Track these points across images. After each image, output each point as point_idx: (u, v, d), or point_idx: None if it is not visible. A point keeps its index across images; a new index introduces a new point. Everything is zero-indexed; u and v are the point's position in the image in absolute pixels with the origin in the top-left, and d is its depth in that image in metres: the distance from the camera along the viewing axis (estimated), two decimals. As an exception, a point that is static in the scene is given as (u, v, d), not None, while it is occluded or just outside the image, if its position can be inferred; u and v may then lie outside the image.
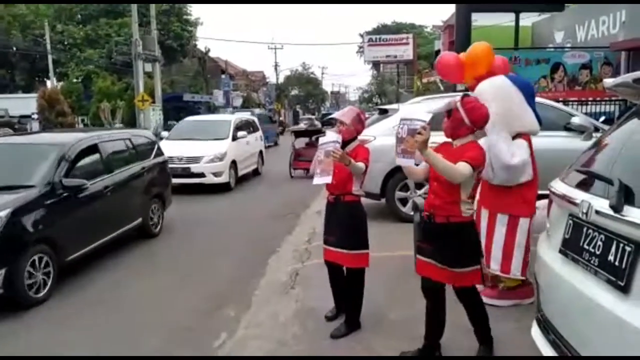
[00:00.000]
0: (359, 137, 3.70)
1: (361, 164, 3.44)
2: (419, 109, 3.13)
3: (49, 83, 29.50)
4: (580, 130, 6.65)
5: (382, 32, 42.88)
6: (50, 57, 28.61)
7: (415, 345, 3.48)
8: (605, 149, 2.34)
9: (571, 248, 2.13)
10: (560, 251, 2.21)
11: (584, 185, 2.18)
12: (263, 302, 4.49)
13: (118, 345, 3.80)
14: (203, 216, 8.44)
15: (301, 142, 13.72)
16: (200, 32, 51.40)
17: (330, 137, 3.38)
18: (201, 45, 39.70)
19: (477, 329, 3.18)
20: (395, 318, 3.94)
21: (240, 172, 11.67)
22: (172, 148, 10.29)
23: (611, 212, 1.80)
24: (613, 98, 13.00)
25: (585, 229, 2.05)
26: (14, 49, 32.08)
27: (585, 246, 2.01)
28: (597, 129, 6.82)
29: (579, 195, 2.10)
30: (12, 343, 3.89)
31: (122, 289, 5.01)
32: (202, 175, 10.37)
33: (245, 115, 15.18)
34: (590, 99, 12.76)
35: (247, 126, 13.14)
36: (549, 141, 6.70)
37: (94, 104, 24.94)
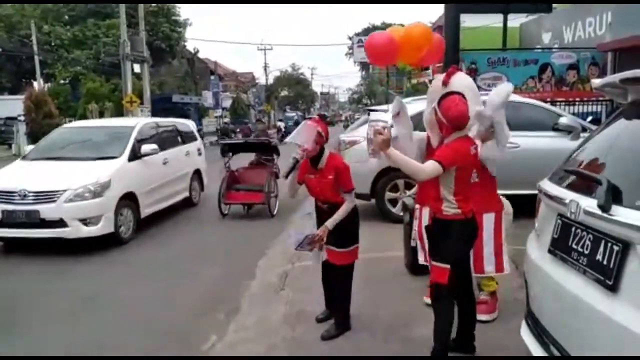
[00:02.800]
0: (326, 146, 3.61)
1: (349, 203, 3.54)
2: (385, 113, 3.16)
3: (35, 84, 29.17)
4: (567, 131, 6.71)
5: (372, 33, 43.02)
6: (37, 59, 28.36)
7: (407, 345, 3.49)
8: (593, 149, 2.34)
9: (560, 248, 2.13)
10: (549, 251, 2.21)
11: (572, 185, 2.19)
12: (253, 304, 4.45)
13: (104, 347, 3.75)
14: (185, 220, 8.39)
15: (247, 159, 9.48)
16: (189, 33, 50.99)
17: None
18: (190, 46, 39.51)
19: (465, 330, 3.22)
20: (385, 319, 3.93)
21: (148, 210, 7.38)
22: (17, 175, 6.68)
23: (599, 212, 1.80)
24: (600, 98, 13.12)
25: (574, 229, 2.05)
26: (0, 50, 31.75)
27: (574, 246, 2.02)
28: (584, 129, 6.87)
29: (567, 195, 2.10)
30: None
31: (106, 294, 4.96)
32: (60, 223, 6.07)
33: (167, 120, 9.56)
34: (577, 99, 12.88)
35: (167, 136, 8.63)
36: (537, 141, 6.76)
37: (81, 105, 24.74)
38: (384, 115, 2.88)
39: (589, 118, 10.64)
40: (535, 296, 2.37)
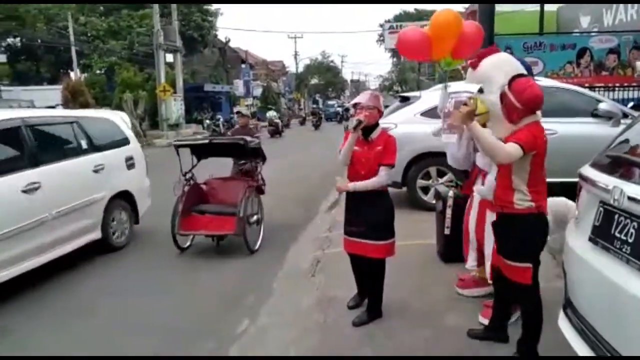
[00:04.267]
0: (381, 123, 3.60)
1: (380, 178, 3.41)
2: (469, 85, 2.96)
3: (72, 75, 29.92)
4: (607, 117, 6.49)
5: (404, 19, 42.40)
6: (73, 49, 29.03)
7: (438, 333, 3.47)
8: (637, 135, 2.26)
9: (601, 236, 2.07)
10: (590, 239, 2.14)
11: (615, 172, 2.11)
12: (284, 290, 4.50)
13: (143, 327, 3.85)
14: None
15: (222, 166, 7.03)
16: (220, 22, 51.48)
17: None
18: (221, 35, 39.75)
19: (525, 327, 2.96)
20: (417, 306, 3.91)
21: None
22: None
23: (644, 199, 1.73)
24: (637, 84, 12.67)
25: (616, 216, 1.98)
26: (39, 41, 32.64)
27: (617, 234, 1.95)
28: (625, 115, 6.63)
29: (610, 181, 2.03)
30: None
31: (146, 276, 5.08)
32: None
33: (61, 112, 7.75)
34: (617, 84, 12.43)
35: (53, 143, 5.42)
36: (576, 128, 6.56)
37: (117, 95, 25.23)
38: (468, 86, 2.72)
39: (630, 104, 10.29)
40: (575, 285, 2.31)
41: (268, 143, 21.74)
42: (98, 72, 30.99)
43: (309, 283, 4.56)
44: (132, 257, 5.74)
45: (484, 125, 2.77)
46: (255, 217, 5.76)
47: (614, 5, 14.65)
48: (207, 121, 26.04)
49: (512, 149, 2.51)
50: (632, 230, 1.86)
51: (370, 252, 3.55)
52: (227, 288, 4.67)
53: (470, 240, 3.63)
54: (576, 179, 6.49)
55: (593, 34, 14.04)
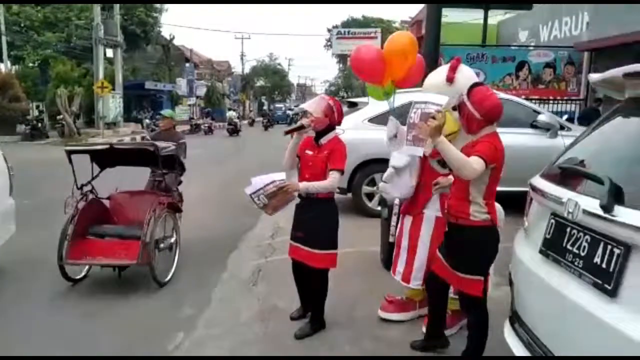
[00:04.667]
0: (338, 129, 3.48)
1: (328, 182, 3.26)
2: (435, 94, 2.82)
3: (2, 66, 28.10)
4: (546, 128, 6.69)
5: (351, 26, 42.78)
6: (4, 39, 27.23)
7: (382, 345, 3.38)
8: (588, 147, 2.24)
9: (553, 248, 2.02)
10: (541, 251, 2.09)
11: (568, 183, 2.07)
12: (223, 299, 4.27)
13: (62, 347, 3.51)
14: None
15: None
16: (164, 19, 50.03)
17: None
18: (166, 32, 38.66)
19: (471, 338, 2.92)
20: (361, 316, 3.81)
21: None
22: None
23: (600, 212, 1.68)
24: (573, 98, 13.33)
25: (569, 229, 1.93)
26: (-35, 29, 30.46)
27: (569, 247, 1.90)
28: (562, 127, 6.88)
29: (563, 193, 1.98)
30: None
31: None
32: None
33: None
34: (551, 97, 13.01)
35: None
36: (515, 138, 6.70)
37: (50, 89, 23.90)
38: (434, 97, 2.56)
39: (565, 116, 10.76)
40: (523, 298, 2.26)
41: (227, 140, 24.08)
42: (31, 64, 29.27)
43: (249, 293, 4.36)
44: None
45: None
46: (167, 242, 4.71)
47: (550, 22, 15.36)
48: (147, 120, 25.19)
49: (477, 164, 2.43)
50: (584, 243, 1.82)
51: (310, 260, 3.41)
52: (162, 297, 4.37)
53: (419, 258, 3.50)
54: (515, 188, 6.56)
55: (531, 47, 14.64)
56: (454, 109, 2.75)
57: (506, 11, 17.71)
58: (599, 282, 1.68)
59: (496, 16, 16.80)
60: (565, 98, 13.21)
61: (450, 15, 15.04)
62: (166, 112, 6.62)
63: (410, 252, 3.52)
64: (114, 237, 4.64)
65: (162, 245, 4.60)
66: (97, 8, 24.34)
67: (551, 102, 12.83)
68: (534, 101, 11.66)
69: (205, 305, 4.11)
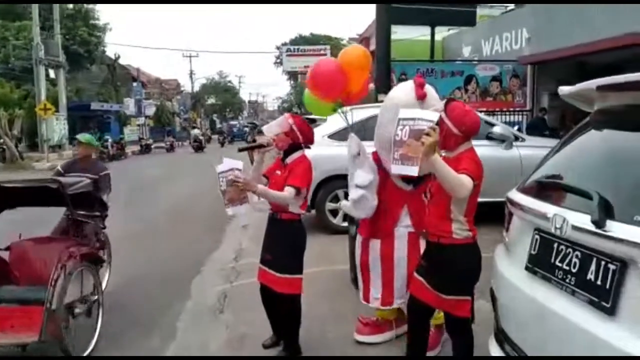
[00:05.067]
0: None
1: (283, 194, 3.12)
2: (424, 109, 2.73)
3: None
4: (501, 139, 6.86)
5: (299, 43, 43.07)
6: None
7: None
8: (563, 161, 2.25)
9: (540, 265, 1.99)
10: (527, 268, 2.06)
11: (550, 198, 2.06)
12: (190, 329, 4.07)
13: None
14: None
15: None
16: (109, 38, 48.72)
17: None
18: (111, 51, 37.61)
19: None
20: (334, 337, 3.72)
21: None
22: None
23: (592, 228, 1.66)
24: (518, 109, 13.85)
25: (555, 245, 1.91)
26: None
27: (558, 263, 1.88)
28: (517, 138, 7.07)
29: (548, 208, 1.96)
30: None
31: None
32: None
33: None
34: (498, 109, 13.46)
35: None
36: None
37: (-12, 112, 22.69)
38: (424, 113, 2.44)
39: (516, 127, 11.12)
40: (509, 315, 2.22)
41: (192, 156, 25.25)
42: (-34, 87, 27.76)
43: (216, 321, 4.17)
44: None
45: None
46: (85, 305, 3.67)
47: (491, 37, 15.96)
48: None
49: (469, 183, 2.37)
50: (575, 260, 1.80)
51: (275, 285, 3.29)
52: (125, 327, 4.10)
53: (399, 277, 3.41)
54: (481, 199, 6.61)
55: (474, 62, 15.13)
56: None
57: (450, 28, 18.29)
58: (595, 299, 1.66)
59: (440, 32, 17.29)
60: (511, 109, 13.69)
61: (399, 33, 15.35)
62: (82, 136, 5.20)
63: (386, 274, 3.43)
64: (11, 302, 3.43)
65: (77, 310, 3.55)
66: (36, 27, 23.39)
67: (498, 113, 13.24)
68: (482, 113, 12.03)
69: (171, 336, 3.91)
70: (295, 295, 3.32)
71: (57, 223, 4.57)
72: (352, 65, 3.40)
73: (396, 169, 2.40)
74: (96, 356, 3.27)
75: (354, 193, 3.41)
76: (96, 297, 3.86)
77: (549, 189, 2.16)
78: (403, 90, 3.37)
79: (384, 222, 3.43)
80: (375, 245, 3.48)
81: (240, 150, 3.51)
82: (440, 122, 2.48)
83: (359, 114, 4.11)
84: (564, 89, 2.29)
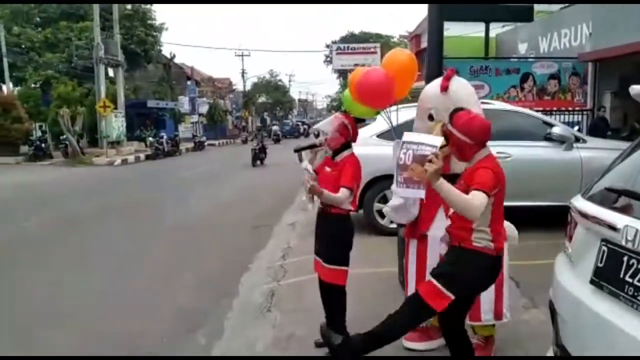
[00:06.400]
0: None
1: (336, 196, 3.18)
2: (426, 134, 2.67)
3: (4, 88, 28.09)
4: (560, 141, 6.54)
5: (350, 41, 42.96)
6: (5, 61, 27.30)
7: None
8: (636, 166, 2.08)
9: (607, 279, 1.85)
10: (592, 282, 1.92)
11: (620, 207, 1.91)
12: (237, 327, 4.09)
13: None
14: (159, 225, 7.96)
15: None
16: (165, 38, 50.21)
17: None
18: (166, 50, 38.76)
19: None
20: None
21: None
22: None
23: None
24: (577, 108, 13.21)
25: (626, 258, 1.77)
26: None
27: (628, 279, 1.74)
28: (577, 139, 6.73)
29: (617, 218, 1.83)
30: None
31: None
32: None
33: None
34: (556, 108, 12.89)
35: None
36: (530, 151, 6.56)
37: (52, 109, 23.86)
38: (428, 138, 2.38)
39: (576, 127, 10.61)
40: (571, 329, 2.08)
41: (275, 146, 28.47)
42: (33, 85, 29.28)
43: (264, 319, 4.17)
44: None
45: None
46: None
47: (549, 33, 15.31)
48: (150, 139, 25.06)
49: (480, 201, 2.29)
50: (648, 275, 1.66)
51: (321, 273, 3.40)
52: (172, 323, 4.19)
53: None
54: (534, 203, 6.36)
55: (534, 59, 14.55)
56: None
57: (504, 24, 17.70)
58: (671, 320, 1.52)
59: (494, 29, 16.77)
60: (570, 109, 13.09)
61: (452, 29, 14.99)
62: None
63: (419, 280, 3.36)
64: None
65: None
66: (97, 28, 24.38)
67: (555, 113, 12.67)
68: (539, 113, 11.56)
69: (218, 335, 3.94)
70: (339, 287, 3.37)
71: None
72: (402, 72, 3.34)
73: (402, 192, 2.43)
74: (98, 356, 3.31)
75: (394, 200, 3.42)
76: None
77: (619, 198, 2.01)
78: (433, 83, 3.36)
79: (421, 224, 3.39)
80: (412, 247, 3.46)
81: (296, 150, 3.55)
82: (449, 135, 2.44)
83: (404, 114, 4.00)
84: (636, 88, 2.13)
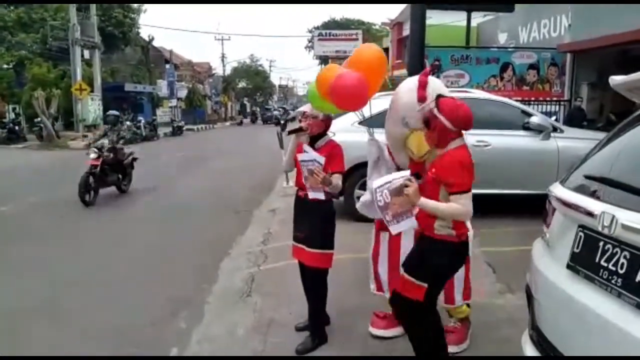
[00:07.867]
0: (329, 133, 3.45)
1: (337, 182, 3.23)
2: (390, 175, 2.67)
3: (-25, 68, 27.32)
4: (538, 130, 6.64)
5: (332, 27, 42.70)
6: (-24, 40, 26.53)
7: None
8: (613, 155, 2.13)
9: (583, 264, 1.90)
10: (569, 266, 1.97)
11: (597, 194, 1.96)
12: (217, 312, 4.10)
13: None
14: (137, 212, 7.89)
15: None
16: (143, 20, 49.24)
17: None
18: (144, 33, 38.03)
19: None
20: (363, 330, 3.66)
21: None
22: None
23: (647, 227, 1.57)
24: (555, 99, 13.42)
25: (601, 244, 1.82)
26: None
27: (603, 263, 1.79)
28: (555, 129, 6.84)
29: (595, 205, 1.87)
30: None
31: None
32: None
33: None
34: (534, 99, 13.06)
35: None
36: (508, 140, 6.65)
37: (27, 92, 23.27)
38: (394, 175, 2.53)
39: (553, 117, 10.78)
40: (547, 313, 2.14)
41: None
42: (5, 66, 28.48)
43: (244, 304, 4.18)
44: None
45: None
46: None
47: (529, 23, 15.45)
48: (128, 122, 24.67)
49: (465, 201, 2.39)
50: (623, 260, 1.70)
51: (305, 259, 3.40)
52: (153, 307, 4.18)
53: None
54: (511, 191, 6.43)
55: (510, 49, 14.68)
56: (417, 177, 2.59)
57: (485, 13, 17.80)
58: (644, 302, 1.57)
59: (475, 18, 16.84)
60: (548, 99, 13.28)
61: (434, 18, 15.01)
62: None
63: (391, 270, 3.41)
64: None
65: None
66: (73, 9, 23.77)
67: (533, 103, 12.84)
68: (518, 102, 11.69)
69: (197, 319, 3.94)
70: (324, 270, 3.40)
71: None
72: (373, 72, 3.17)
73: (397, 228, 2.47)
74: (98, 356, 3.33)
75: (366, 195, 3.40)
76: None
77: (596, 185, 2.05)
78: (407, 90, 3.07)
79: None
80: (385, 238, 3.48)
81: (290, 132, 3.49)
82: (432, 119, 2.47)
83: (378, 103, 3.85)
84: (615, 79, 2.17)
